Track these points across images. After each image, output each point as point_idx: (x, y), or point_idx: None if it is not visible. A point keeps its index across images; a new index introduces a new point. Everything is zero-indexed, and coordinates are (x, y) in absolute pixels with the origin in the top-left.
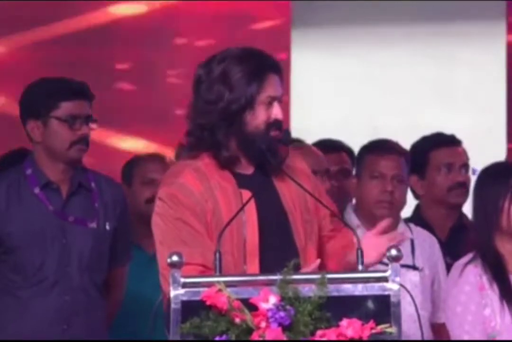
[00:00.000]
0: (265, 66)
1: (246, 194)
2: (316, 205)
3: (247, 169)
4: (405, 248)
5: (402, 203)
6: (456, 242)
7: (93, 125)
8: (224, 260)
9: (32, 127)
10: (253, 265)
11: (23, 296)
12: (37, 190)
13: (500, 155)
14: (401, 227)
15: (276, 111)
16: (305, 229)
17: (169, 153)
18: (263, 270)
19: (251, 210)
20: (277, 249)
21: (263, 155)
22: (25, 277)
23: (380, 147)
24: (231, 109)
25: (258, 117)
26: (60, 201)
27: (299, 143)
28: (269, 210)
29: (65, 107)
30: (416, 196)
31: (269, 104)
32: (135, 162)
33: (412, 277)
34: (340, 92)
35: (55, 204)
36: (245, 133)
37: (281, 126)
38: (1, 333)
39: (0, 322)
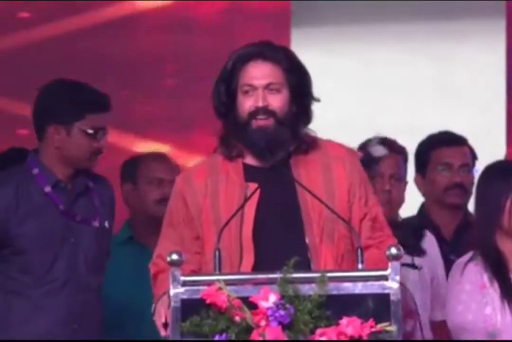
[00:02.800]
0: (244, 56)
1: (252, 187)
2: (350, 205)
3: (265, 162)
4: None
5: (400, 201)
6: (462, 241)
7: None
8: (220, 255)
9: (52, 132)
10: (248, 260)
11: (34, 297)
12: (48, 189)
13: (499, 155)
14: None
15: (256, 99)
16: (321, 227)
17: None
18: (258, 265)
19: (251, 204)
20: (277, 244)
21: (261, 150)
22: (35, 278)
23: None
24: (216, 106)
25: (241, 108)
26: (68, 200)
27: None
28: (275, 204)
29: (91, 120)
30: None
31: (246, 93)
32: (139, 161)
33: (412, 276)
34: (340, 91)
35: (64, 203)
36: (238, 127)
37: (266, 112)
38: (13, 333)
39: (11, 322)
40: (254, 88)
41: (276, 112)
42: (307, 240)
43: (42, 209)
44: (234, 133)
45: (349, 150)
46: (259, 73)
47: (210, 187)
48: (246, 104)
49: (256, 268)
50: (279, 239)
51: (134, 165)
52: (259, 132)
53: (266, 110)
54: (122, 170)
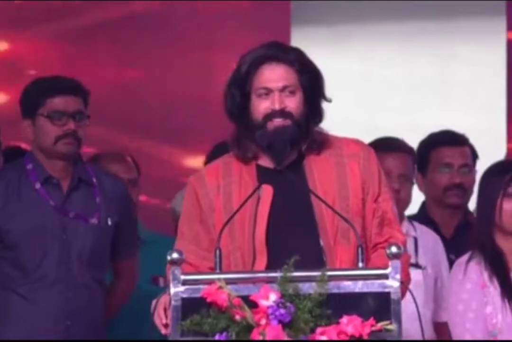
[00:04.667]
0: (257, 59)
1: (266, 188)
2: (364, 203)
3: (278, 164)
4: (409, 246)
5: (407, 202)
6: (461, 240)
7: (86, 122)
8: (233, 256)
9: (24, 127)
10: (261, 261)
11: (26, 293)
12: (38, 185)
13: (500, 154)
14: (405, 225)
15: (273, 101)
16: (335, 228)
17: None
18: (271, 266)
19: (264, 205)
20: (291, 246)
21: (277, 151)
22: (26, 274)
23: (386, 145)
24: (229, 109)
25: (257, 109)
26: (60, 196)
27: None
28: (288, 206)
29: (50, 104)
30: None
31: (265, 95)
32: (96, 162)
33: (415, 275)
34: (341, 91)
35: (55, 199)
36: (252, 128)
37: (284, 115)
38: (6, 328)
39: (4, 317)
40: (270, 90)
41: (293, 114)
42: (321, 242)
43: (33, 205)
44: (248, 135)
45: (364, 146)
46: (274, 76)
47: (223, 188)
48: (262, 106)
49: (269, 269)
50: (293, 240)
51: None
52: (276, 132)
53: (283, 113)
54: None
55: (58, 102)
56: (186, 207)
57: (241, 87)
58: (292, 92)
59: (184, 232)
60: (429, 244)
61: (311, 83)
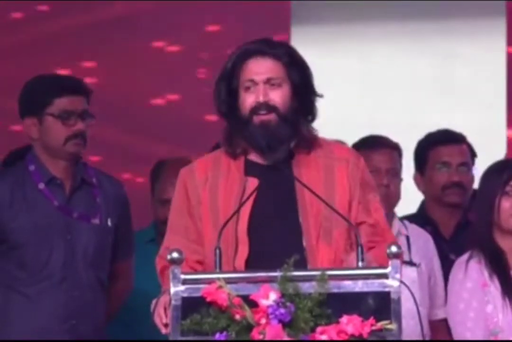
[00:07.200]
0: (243, 53)
1: (251, 181)
2: (349, 207)
3: (267, 159)
4: (401, 244)
5: (397, 197)
6: (461, 239)
7: (91, 121)
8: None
9: (29, 125)
10: (243, 252)
11: (31, 293)
12: (41, 186)
13: (499, 153)
14: (396, 223)
15: (257, 94)
16: (318, 226)
17: None
18: (252, 259)
19: (248, 200)
20: (272, 241)
21: (261, 147)
22: (31, 274)
23: (372, 142)
24: (217, 105)
25: (244, 104)
26: (64, 197)
27: None
28: (273, 200)
29: (59, 104)
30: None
31: (248, 89)
32: (159, 171)
33: (410, 273)
34: (340, 90)
35: (59, 199)
36: (241, 124)
37: (268, 107)
38: (11, 328)
39: (9, 317)
40: (255, 83)
41: (278, 107)
42: (303, 240)
43: (37, 205)
44: (237, 131)
45: (355, 154)
46: (259, 68)
47: (211, 180)
48: (248, 100)
49: (250, 262)
50: (275, 235)
51: (155, 175)
52: (260, 128)
53: (267, 105)
54: (150, 173)
55: (67, 102)
56: (175, 200)
57: (228, 83)
58: (278, 85)
59: (174, 225)
60: (420, 242)
61: (299, 78)
